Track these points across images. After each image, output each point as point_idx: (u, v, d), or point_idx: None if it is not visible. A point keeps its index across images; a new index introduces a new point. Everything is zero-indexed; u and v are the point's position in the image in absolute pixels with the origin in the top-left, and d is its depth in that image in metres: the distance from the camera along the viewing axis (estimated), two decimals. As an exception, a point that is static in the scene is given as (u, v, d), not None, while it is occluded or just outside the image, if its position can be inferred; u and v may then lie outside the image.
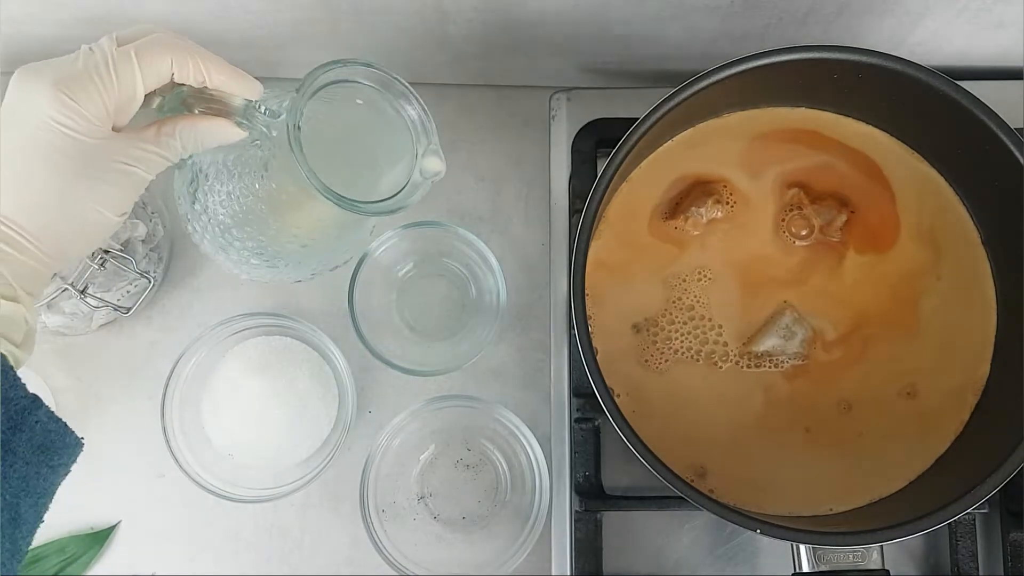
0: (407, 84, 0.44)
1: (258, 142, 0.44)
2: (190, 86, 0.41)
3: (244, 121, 0.42)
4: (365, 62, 0.43)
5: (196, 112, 0.42)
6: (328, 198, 0.42)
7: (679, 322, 0.55)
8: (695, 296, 0.55)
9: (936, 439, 0.53)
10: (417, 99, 0.44)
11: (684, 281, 0.55)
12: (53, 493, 0.40)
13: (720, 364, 0.54)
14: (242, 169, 0.47)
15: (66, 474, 0.41)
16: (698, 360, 0.54)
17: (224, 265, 0.51)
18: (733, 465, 0.53)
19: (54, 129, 0.37)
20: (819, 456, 0.54)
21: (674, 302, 0.55)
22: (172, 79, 0.40)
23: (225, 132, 0.42)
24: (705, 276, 0.55)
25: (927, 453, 0.53)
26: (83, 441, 0.41)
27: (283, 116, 0.41)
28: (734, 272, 0.55)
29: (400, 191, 0.45)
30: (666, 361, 0.54)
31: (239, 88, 0.41)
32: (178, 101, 0.41)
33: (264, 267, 0.51)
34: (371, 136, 0.46)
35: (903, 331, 0.55)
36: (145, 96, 0.40)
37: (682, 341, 0.54)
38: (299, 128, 0.41)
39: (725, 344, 0.54)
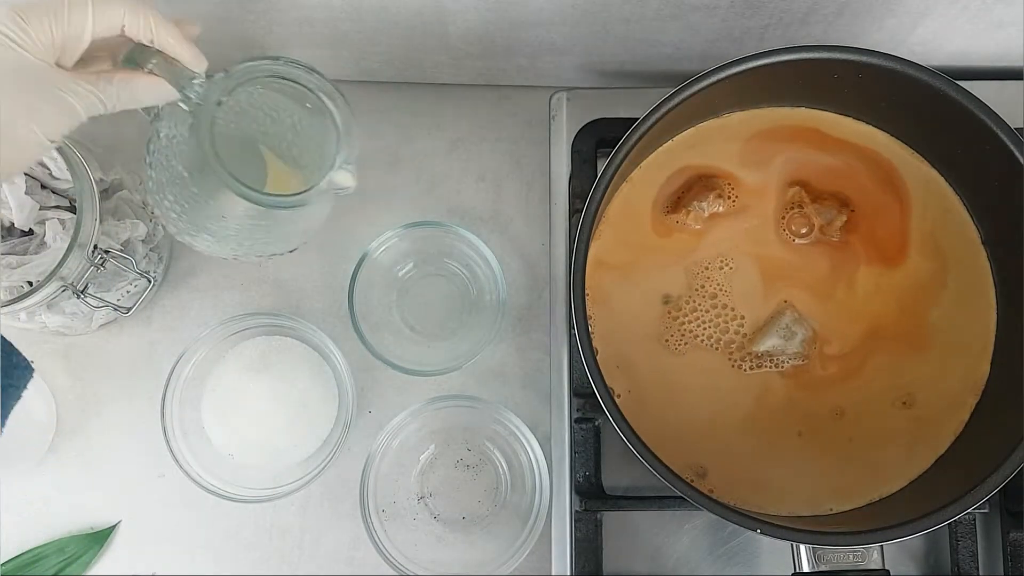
0: (342, 94, 0.46)
1: (190, 111, 0.46)
2: (144, 46, 0.43)
3: (182, 89, 0.44)
4: (308, 67, 0.46)
5: (145, 71, 0.44)
6: (220, 178, 0.44)
7: (701, 309, 0.55)
8: (718, 284, 0.55)
9: (935, 440, 0.53)
10: (347, 113, 0.46)
11: (706, 268, 0.55)
12: (5, 417, 0.41)
13: (734, 356, 0.54)
14: (178, 134, 0.49)
15: (17, 399, 0.41)
16: (716, 348, 0.54)
17: (161, 218, 0.54)
18: (733, 465, 0.53)
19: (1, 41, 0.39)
20: (814, 458, 0.54)
21: (697, 289, 0.55)
22: (123, 31, 0.42)
23: (158, 90, 0.44)
24: (727, 264, 0.55)
25: (926, 454, 0.53)
26: (33, 365, 0.41)
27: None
28: (748, 264, 0.55)
29: (302, 192, 0.47)
30: (686, 344, 0.54)
31: (184, 54, 0.44)
32: (134, 57, 0.44)
33: (187, 232, 0.53)
34: (308, 136, 0.49)
35: (910, 344, 0.54)
36: (109, 54, 0.43)
37: (703, 327, 0.55)
38: (220, 104, 0.44)
39: (745, 335, 0.55)
